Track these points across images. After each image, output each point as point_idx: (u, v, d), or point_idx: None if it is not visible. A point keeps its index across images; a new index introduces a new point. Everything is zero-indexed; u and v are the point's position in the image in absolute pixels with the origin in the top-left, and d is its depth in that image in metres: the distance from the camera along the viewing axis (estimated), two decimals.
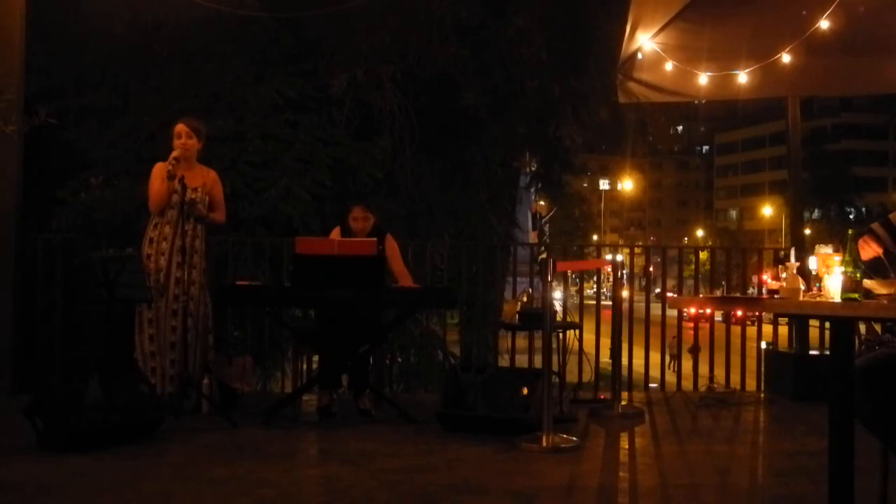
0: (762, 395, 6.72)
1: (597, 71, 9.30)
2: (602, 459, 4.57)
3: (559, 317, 5.67)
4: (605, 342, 6.57)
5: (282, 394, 6.34)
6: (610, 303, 6.16)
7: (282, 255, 6.62)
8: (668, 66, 6.48)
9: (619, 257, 6.67)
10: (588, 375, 6.60)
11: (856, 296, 2.78)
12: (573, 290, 7.78)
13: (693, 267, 8.46)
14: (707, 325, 7.51)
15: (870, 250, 3.09)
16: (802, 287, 3.03)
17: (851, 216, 55.77)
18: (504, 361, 7.21)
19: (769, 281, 3.28)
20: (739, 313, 7.14)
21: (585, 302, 7.67)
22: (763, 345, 7.16)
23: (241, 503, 3.60)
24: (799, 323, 6.63)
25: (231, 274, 6.47)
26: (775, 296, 3.10)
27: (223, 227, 5.88)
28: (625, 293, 6.77)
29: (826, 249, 3.04)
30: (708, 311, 6.88)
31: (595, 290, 8.76)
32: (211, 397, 5.38)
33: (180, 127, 5.48)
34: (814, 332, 6.78)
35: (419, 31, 8.70)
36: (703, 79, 6.53)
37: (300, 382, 6.38)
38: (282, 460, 4.38)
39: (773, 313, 6.02)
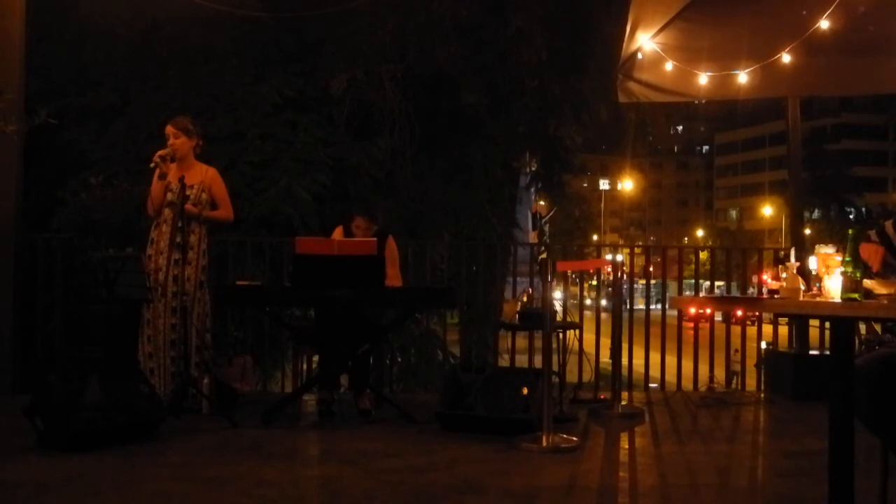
0: (762, 395, 6.72)
1: (597, 71, 9.31)
2: (602, 459, 4.57)
3: (559, 317, 5.67)
4: (605, 342, 6.57)
5: (282, 394, 6.34)
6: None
7: (282, 255, 6.62)
8: (668, 66, 6.49)
9: (619, 257, 6.66)
10: (588, 375, 6.60)
11: (856, 296, 2.77)
12: (573, 289, 7.76)
13: (693, 267, 8.45)
14: (707, 325, 7.51)
15: (873, 252, 3.07)
16: (802, 287, 3.03)
17: (851, 216, 55.77)
18: (504, 361, 7.21)
19: (769, 281, 3.28)
20: (739, 313, 7.13)
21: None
22: (763, 345, 7.16)
23: (241, 503, 3.60)
24: (799, 323, 6.63)
25: (231, 274, 6.46)
26: (775, 296, 3.10)
27: (229, 225, 5.84)
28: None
29: (826, 249, 3.04)
30: (708, 311, 6.88)
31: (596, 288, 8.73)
32: (211, 397, 5.38)
33: (167, 129, 5.53)
34: (814, 332, 6.78)
35: (419, 31, 8.70)
36: (703, 79, 6.54)
37: (300, 382, 6.38)
38: (282, 460, 4.38)
39: (773, 313, 6.02)
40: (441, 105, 9.46)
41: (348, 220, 5.73)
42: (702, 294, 8.78)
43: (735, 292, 7.16)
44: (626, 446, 4.97)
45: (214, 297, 5.53)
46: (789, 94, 6.73)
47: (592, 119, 10.34)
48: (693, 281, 8.21)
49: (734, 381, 7.14)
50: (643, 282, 7.63)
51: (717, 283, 8.15)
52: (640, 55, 6.51)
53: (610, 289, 6.74)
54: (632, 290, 8.28)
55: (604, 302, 7.88)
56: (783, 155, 9.07)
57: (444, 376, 6.01)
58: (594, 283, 12.42)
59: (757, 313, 7.04)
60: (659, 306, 7.03)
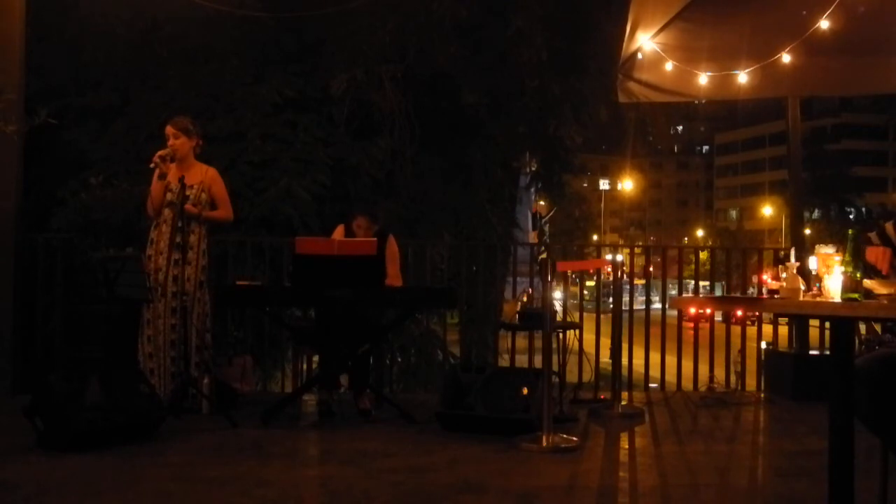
0: (762, 395, 6.72)
1: (597, 71, 9.31)
2: (602, 459, 4.57)
3: (559, 317, 5.67)
4: (605, 342, 6.58)
5: (282, 394, 6.34)
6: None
7: (282, 255, 6.62)
8: (668, 66, 6.49)
9: (619, 257, 6.66)
10: (588, 375, 6.60)
11: (856, 296, 2.77)
12: (574, 289, 7.76)
13: (693, 267, 8.45)
14: (707, 325, 7.51)
15: (881, 254, 3.05)
16: (802, 287, 3.03)
17: (851, 216, 55.75)
18: (504, 361, 7.21)
19: (769, 281, 3.28)
20: (739, 313, 7.14)
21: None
22: (763, 345, 7.16)
23: (241, 503, 3.60)
24: (799, 323, 6.63)
25: (231, 274, 6.46)
26: (775, 296, 3.10)
27: (229, 225, 5.84)
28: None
29: (826, 249, 3.04)
30: (708, 311, 6.89)
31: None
32: (211, 397, 5.38)
33: (167, 129, 5.53)
34: (814, 332, 6.78)
35: (419, 31, 8.70)
36: (703, 79, 6.54)
37: (300, 382, 6.38)
38: (282, 460, 4.38)
39: (773, 313, 6.02)
40: (441, 105, 9.46)
41: (349, 220, 5.73)
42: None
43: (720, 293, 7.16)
44: (626, 446, 4.97)
45: (214, 297, 5.53)
46: (789, 94, 6.73)
47: (592, 119, 10.33)
48: (693, 281, 8.20)
49: (737, 383, 7.12)
50: (640, 282, 7.63)
51: (702, 284, 8.09)
52: (640, 55, 6.51)
53: (606, 289, 6.75)
54: (632, 290, 8.27)
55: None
56: (783, 155, 9.07)
57: (444, 376, 6.01)
58: (590, 284, 12.40)
59: (757, 313, 7.04)
60: (659, 306, 7.03)
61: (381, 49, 8.68)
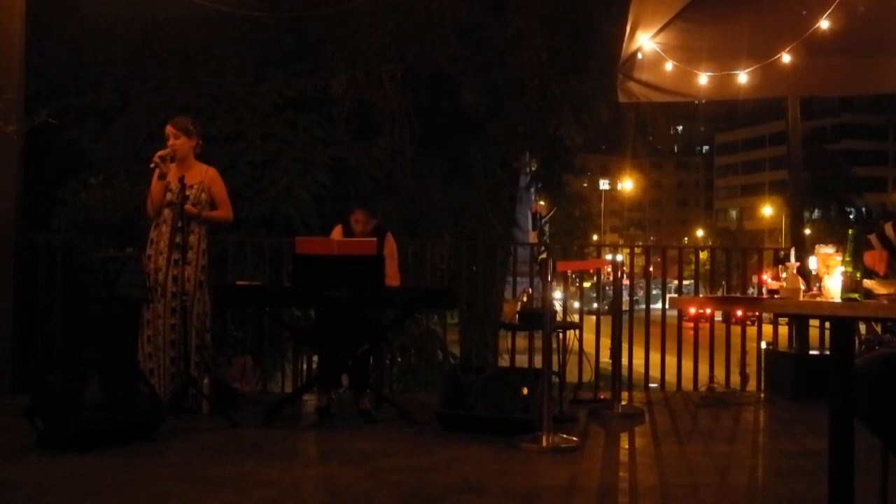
0: (762, 395, 6.72)
1: (597, 71, 9.31)
2: (602, 459, 4.57)
3: (559, 317, 5.67)
4: (605, 342, 6.58)
5: (282, 394, 6.34)
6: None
7: (282, 255, 6.62)
8: (668, 66, 6.49)
9: (619, 257, 6.66)
10: (588, 375, 6.60)
11: (856, 296, 2.78)
12: (574, 289, 7.76)
13: (693, 267, 8.45)
14: (707, 325, 7.51)
15: (877, 257, 3.06)
16: (802, 287, 3.03)
17: (851, 216, 55.74)
18: (504, 361, 7.21)
19: (769, 281, 3.28)
20: (739, 313, 7.14)
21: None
22: (763, 345, 7.16)
23: (241, 503, 3.60)
24: (799, 323, 6.63)
25: (231, 274, 6.46)
26: (775, 296, 3.10)
27: (229, 225, 5.84)
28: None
29: (826, 249, 3.04)
30: (708, 311, 6.88)
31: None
32: (211, 397, 5.38)
33: (168, 129, 5.53)
34: (814, 332, 6.78)
35: (419, 31, 8.71)
36: (703, 79, 6.54)
37: (300, 382, 6.38)
38: (282, 460, 4.38)
39: (773, 313, 6.02)
40: (441, 105, 9.47)
41: (347, 217, 5.73)
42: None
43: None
44: (626, 446, 4.97)
45: (214, 297, 5.52)
46: (789, 94, 6.73)
47: (592, 119, 10.35)
48: (689, 282, 8.21)
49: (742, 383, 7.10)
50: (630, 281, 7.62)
51: (686, 283, 8.06)
52: (640, 55, 6.51)
53: (606, 288, 6.75)
54: (632, 291, 8.27)
55: (595, 305, 7.89)
56: (783, 155, 9.07)
57: (444, 376, 6.01)
58: (587, 285, 12.43)
59: (757, 313, 7.04)
60: (659, 306, 7.04)
61: (381, 49, 8.68)
